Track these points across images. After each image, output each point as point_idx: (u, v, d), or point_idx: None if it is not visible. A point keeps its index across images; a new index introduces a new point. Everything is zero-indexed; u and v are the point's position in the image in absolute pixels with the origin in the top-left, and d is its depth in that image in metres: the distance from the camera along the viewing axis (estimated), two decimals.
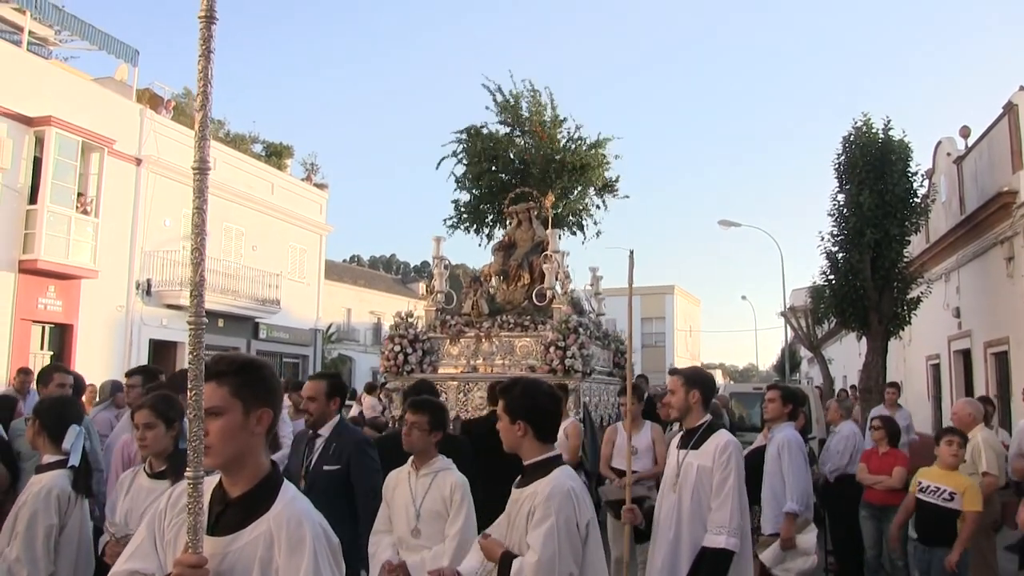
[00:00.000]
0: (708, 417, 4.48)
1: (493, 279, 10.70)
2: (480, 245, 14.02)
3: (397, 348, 9.69)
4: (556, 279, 9.79)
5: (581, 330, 9.11)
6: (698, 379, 4.56)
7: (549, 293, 9.63)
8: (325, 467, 4.61)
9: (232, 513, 2.13)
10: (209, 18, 2.04)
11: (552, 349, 8.98)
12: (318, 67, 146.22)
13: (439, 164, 13.48)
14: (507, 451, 3.39)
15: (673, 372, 4.91)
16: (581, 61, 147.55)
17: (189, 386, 2.01)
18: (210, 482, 2.16)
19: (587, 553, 3.17)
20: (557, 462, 3.31)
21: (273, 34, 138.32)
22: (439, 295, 10.35)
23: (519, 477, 3.36)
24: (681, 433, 4.59)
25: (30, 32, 19.41)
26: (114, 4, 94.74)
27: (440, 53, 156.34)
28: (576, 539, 3.12)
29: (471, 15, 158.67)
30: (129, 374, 6.41)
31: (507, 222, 11.36)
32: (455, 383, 9.44)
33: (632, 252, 5.01)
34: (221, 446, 2.10)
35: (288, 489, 2.20)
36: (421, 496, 4.07)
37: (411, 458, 4.21)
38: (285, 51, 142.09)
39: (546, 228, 10.51)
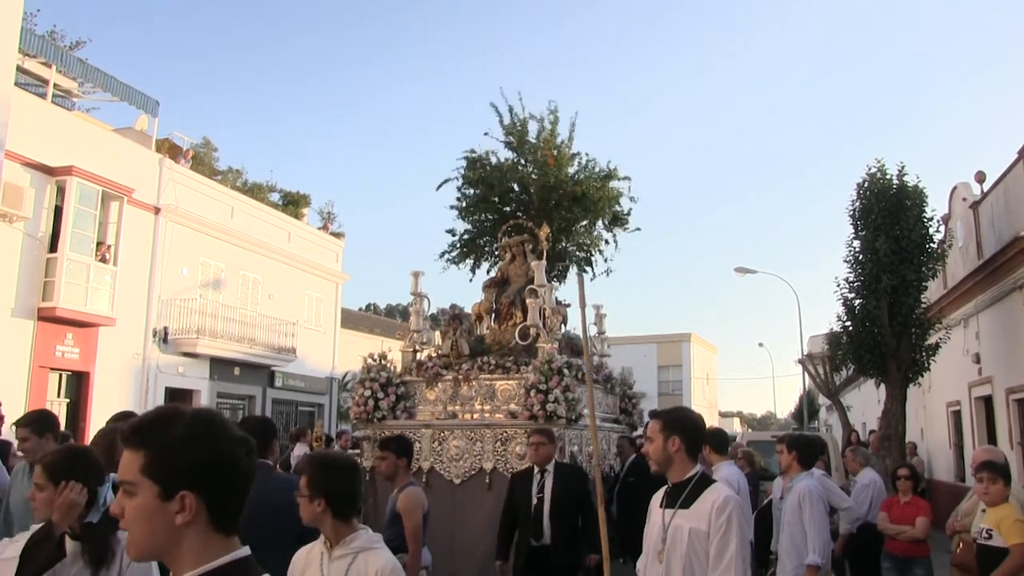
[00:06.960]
0: (698, 469, 3.67)
1: (484, 318, 9.95)
2: (471, 281, 12.49)
3: (368, 393, 8.90)
4: (540, 316, 8.91)
5: (566, 371, 8.14)
6: (680, 422, 3.67)
7: (533, 331, 8.78)
8: None
9: None
10: None
11: (532, 392, 8.06)
12: (337, 116, 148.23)
13: (440, 186, 12.28)
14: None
15: (653, 415, 3.95)
16: (600, 106, 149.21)
17: None
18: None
19: None
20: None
21: (292, 84, 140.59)
22: (415, 334, 9.57)
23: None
24: (665, 489, 3.75)
25: (55, 85, 19.83)
26: (135, 56, 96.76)
27: (462, 104, 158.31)
28: None
29: (494, 63, 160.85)
30: (19, 424, 5.05)
31: (504, 256, 10.48)
32: (429, 431, 8.60)
33: (581, 272, 4.67)
34: None
35: None
36: None
37: (322, 535, 3.31)
38: (304, 101, 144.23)
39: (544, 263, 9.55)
